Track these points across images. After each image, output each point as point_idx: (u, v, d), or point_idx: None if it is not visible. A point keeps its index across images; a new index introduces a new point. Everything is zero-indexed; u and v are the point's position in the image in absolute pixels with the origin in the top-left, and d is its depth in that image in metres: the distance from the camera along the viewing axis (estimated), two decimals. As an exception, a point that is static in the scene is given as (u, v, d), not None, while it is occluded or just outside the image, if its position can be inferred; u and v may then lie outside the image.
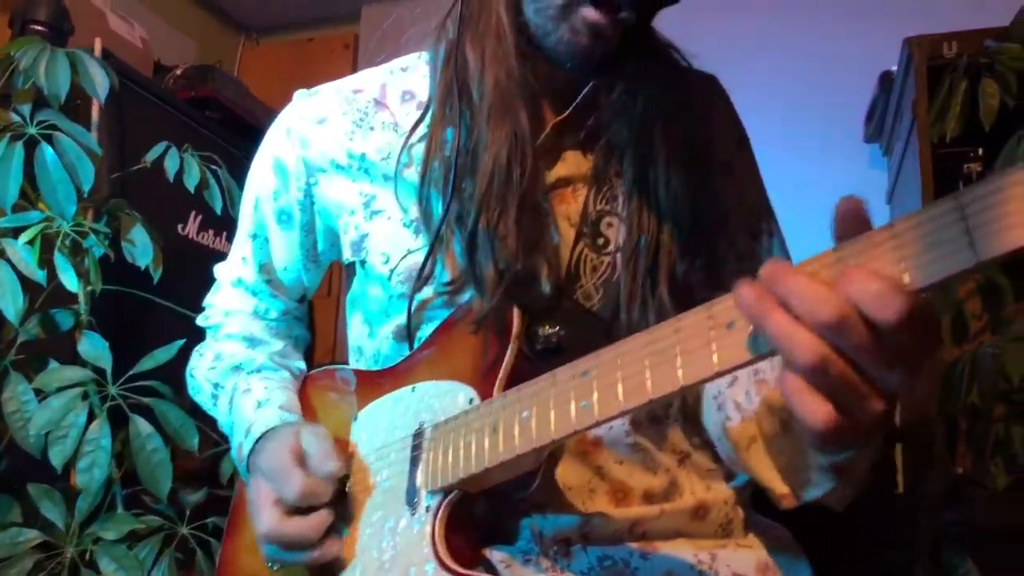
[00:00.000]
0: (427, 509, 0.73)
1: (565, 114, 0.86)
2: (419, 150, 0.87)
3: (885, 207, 2.51)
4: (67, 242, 1.34)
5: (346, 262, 0.94)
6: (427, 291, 0.84)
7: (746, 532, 0.83)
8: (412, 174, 0.86)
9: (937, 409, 1.28)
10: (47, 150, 1.29)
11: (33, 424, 1.31)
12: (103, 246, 1.36)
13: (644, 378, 0.59)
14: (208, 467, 1.62)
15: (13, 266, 1.32)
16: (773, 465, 0.70)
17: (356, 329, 0.97)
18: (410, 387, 0.82)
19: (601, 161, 0.87)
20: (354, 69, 3.47)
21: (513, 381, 0.72)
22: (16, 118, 1.31)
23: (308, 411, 0.95)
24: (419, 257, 0.84)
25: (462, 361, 0.79)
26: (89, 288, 1.38)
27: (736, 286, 0.50)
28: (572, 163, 0.88)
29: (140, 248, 1.39)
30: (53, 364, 1.40)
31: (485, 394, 0.74)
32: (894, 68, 2.22)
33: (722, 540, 0.81)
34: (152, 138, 1.66)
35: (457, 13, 0.87)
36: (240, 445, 0.89)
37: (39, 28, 1.72)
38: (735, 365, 0.53)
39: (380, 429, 0.83)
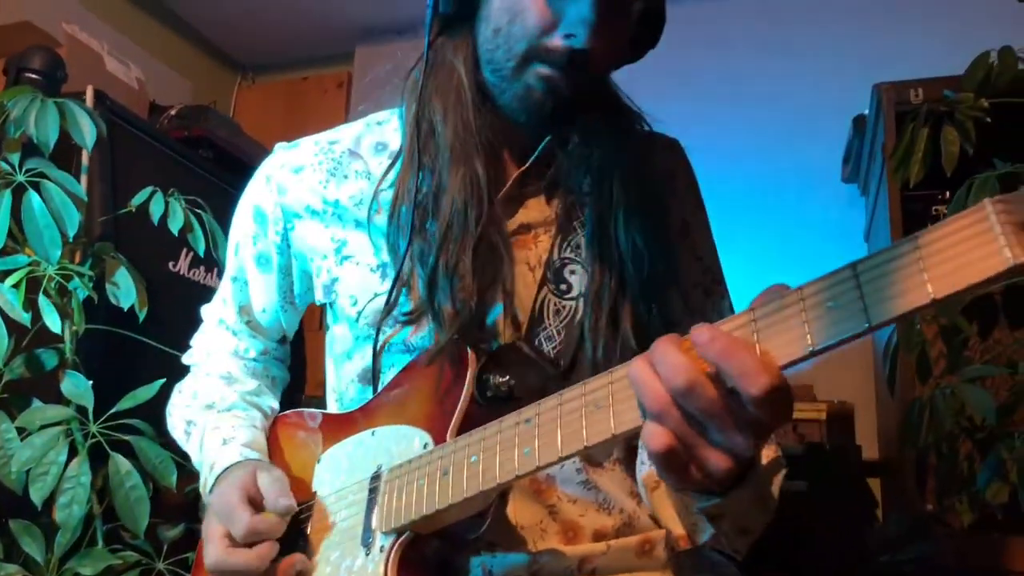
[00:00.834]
0: (381, 549, 0.76)
1: (525, 166, 0.91)
2: (388, 196, 0.91)
3: (863, 245, 2.56)
4: (52, 285, 1.38)
5: (318, 303, 0.98)
6: (388, 330, 0.87)
7: (694, 569, 0.86)
8: (382, 219, 0.91)
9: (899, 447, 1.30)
10: (34, 197, 1.34)
11: (15, 461, 1.35)
12: (87, 288, 1.40)
13: (581, 426, 0.63)
14: (193, 502, 1.65)
15: (-1, 308, 1.37)
16: (672, 508, 0.75)
17: (327, 370, 1.02)
18: (370, 431, 0.85)
19: (564, 210, 0.92)
20: (347, 107, 3.58)
21: (466, 426, 0.75)
22: (6, 166, 1.36)
23: (276, 450, 0.98)
24: (384, 300, 0.88)
25: (420, 407, 0.82)
26: (73, 328, 1.42)
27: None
28: (534, 210, 0.92)
29: (123, 290, 1.43)
30: (36, 403, 1.44)
31: (439, 438, 0.77)
32: (867, 112, 2.28)
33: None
34: (145, 177, 1.71)
35: (422, 68, 0.92)
36: (205, 481, 0.92)
37: (33, 76, 1.78)
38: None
39: (341, 471, 0.86)
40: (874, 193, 2.27)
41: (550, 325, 0.87)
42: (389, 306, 0.86)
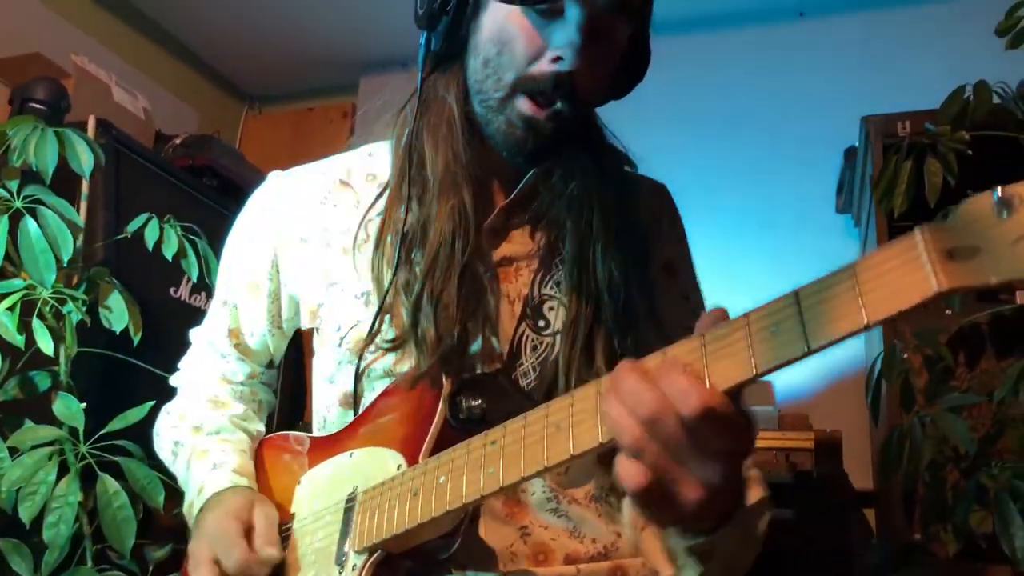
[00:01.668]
0: (353, 568, 0.77)
1: (510, 198, 0.93)
2: (376, 225, 0.94)
3: (857, 275, 2.57)
4: (47, 308, 1.42)
5: (304, 328, 1.00)
6: (371, 356, 0.89)
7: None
8: (368, 248, 0.93)
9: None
10: (31, 223, 1.38)
11: (5, 480, 1.37)
12: (80, 312, 1.44)
13: (542, 448, 0.65)
14: (183, 524, 1.65)
15: (-7, 331, 1.39)
16: (660, 547, 0.75)
17: (313, 394, 1.03)
18: (348, 453, 0.87)
19: (547, 244, 0.93)
20: (351, 137, 3.62)
21: (439, 448, 0.77)
22: (4, 193, 1.40)
23: (261, 473, 0.99)
24: (367, 326, 0.90)
25: (396, 429, 0.84)
26: (67, 351, 1.45)
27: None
28: (518, 243, 0.94)
29: (116, 314, 1.46)
30: (28, 423, 1.46)
31: (412, 460, 0.79)
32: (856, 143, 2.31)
33: (640, 602, 0.84)
34: (150, 204, 1.76)
35: (415, 102, 0.95)
36: (192, 503, 0.93)
37: (37, 106, 1.84)
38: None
39: (320, 492, 0.88)
40: (866, 223, 2.30)
41: (527, 361, 0.88)
42: (372, 333, 0.88)
